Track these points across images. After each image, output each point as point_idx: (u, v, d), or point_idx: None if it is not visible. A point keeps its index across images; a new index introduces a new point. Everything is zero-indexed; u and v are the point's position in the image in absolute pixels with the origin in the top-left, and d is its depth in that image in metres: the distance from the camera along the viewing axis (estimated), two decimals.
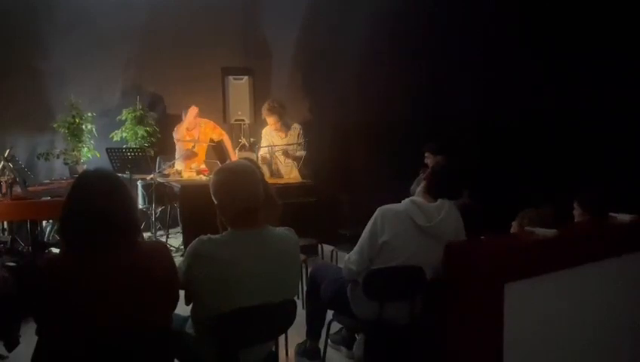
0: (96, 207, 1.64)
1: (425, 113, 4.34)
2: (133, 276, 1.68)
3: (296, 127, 5.26)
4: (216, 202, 2.01)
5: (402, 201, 2.57)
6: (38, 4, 5.91)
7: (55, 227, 4.84)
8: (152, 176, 5.09)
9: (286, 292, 2.04)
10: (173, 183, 5.08)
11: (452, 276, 2.47)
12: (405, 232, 2.45)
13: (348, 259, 2.60)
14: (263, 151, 5.25)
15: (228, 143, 5.89)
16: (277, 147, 5.23)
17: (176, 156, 5.71)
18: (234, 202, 1.95)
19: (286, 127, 5.24)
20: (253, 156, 5.12)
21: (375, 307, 2.47)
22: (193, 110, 5.62)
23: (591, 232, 2.75)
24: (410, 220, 2.46)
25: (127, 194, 1.75)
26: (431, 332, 2.52)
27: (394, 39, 4.70)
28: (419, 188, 2.67)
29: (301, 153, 5.23)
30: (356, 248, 2.57)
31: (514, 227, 2.87)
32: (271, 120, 5.18)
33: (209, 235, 1.99)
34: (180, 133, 5.67)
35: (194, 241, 1.96)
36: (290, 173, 5.30)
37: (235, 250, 1.93)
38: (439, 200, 2.55)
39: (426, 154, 4.08)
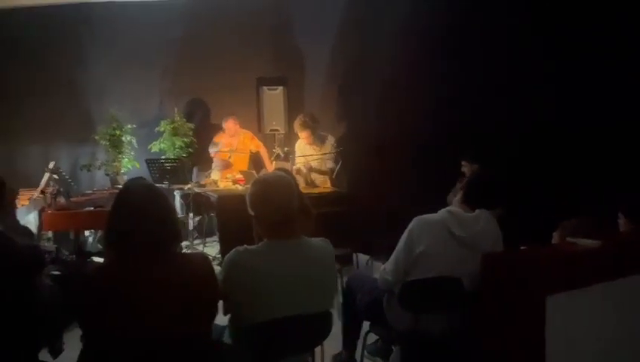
0: (136, 220, 1.68)
1: (461, 123, 4.28)
2: (173, 287, 1.71)
3: (330, 140, 5.25)
4: (252, 213, 2.03)
5: (439, 211, 2.54)
6: (78, 20, 6.14)
7: (97, 236, 4.99)
8: (189, 186, 5.19)
9: (322, 303, 2.04)
10: (210, 193, 5.16)
11: (491, 288, 2.42)
12: (442, 243, 2.41)
13: (383, 270, 2.58)
14: (298, 164, 5.26)
15: (265, 155, 5.97)
16: (308, 158, 5.24)
17: (213, 166, 5.81)
18: (269, 213, 1.96)
19: (319, 140, 5.25)
20: (288, 166, 5.16)
21: (411, 318, 2.44)
22: (233, 121, 5.71)
23: (636, 242, 2.64)
24: (447, 230, 2.42)
25: (166, 206, 1.79)
26: (468, 344, 2.48)
27: (430, 49, 4.67)
28: (456, 197, 2.63)
29: (332, 166, 5.21)
30: (392, 259, 2.55)
31: (555, 238, 2.80)
32: (303, 134, 5.21)
33: (245, 246, 2.01)
34: (215, 149, 5.79)
35: (231, 252, 1.99)
36: (325, 183, 5.31)
37: (271, 260, 1.95)
38: (477, 211, 2.50)
39: (463, 163, 4.03)
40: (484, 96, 4.14)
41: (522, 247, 2.77)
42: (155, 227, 1.70)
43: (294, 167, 5.20)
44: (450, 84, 4.43)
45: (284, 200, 1.97)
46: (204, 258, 1.89)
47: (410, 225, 2.49)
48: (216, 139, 5.84)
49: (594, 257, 2.60)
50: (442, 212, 2.51)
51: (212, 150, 5.82)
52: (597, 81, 3.27)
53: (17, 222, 3.31)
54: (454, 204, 2.58)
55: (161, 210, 1.75)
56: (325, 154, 5.21)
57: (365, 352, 2.92)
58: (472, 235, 2.43)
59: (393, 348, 2.97)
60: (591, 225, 2.78)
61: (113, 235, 1.72)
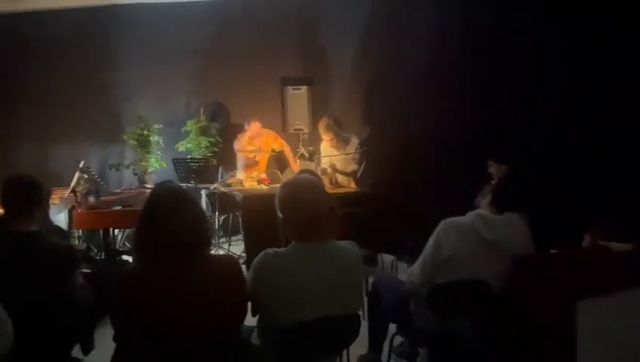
0: (165, 224, 1.71)
1: (487, 124, 4.23)
2: (204, 289, 1.74)
3: (353, 141, 5.24)
4: (280, 215, 2.04)
5: (467, 214, 2.51)
6: (108, 22, 6.25)
7: (125, 235, 5.08)
8: (215, 185, 5.24)
9: (350, 305, 2.04)
10: (236, 192, 5.20)
11: (521, 292, 2.40)
12: (471, 246, 2.39)
13: (411, 273, 2.57)
14: (323, 164, 5.27)
15: (289, 154, 5.98)
16: (333, 158, 5.24)
17: (238, 165, 5.85)
18: (298, 216, 1.97)
19: (343, 141, 5.25)
20: (312, 166, 5.17)
21: (439, 321, 2.43)
22: (256, 124, 5.74)
23: None
24: (477, 234, 2.40)
25: (196, 209, 1.81)
26: (496, 347, 2.45)
27: (456, 50, 4.63)
28: (484, 200, 2.60)
29: (355, 167, 5.20)
30: (419, 261, 2.54)
31: (586, 240, 2.75)
32: (327, 137, 5.22)
33: (274, 249, 2.02)
34: (240, 145, 5.80)
35: (260, 254, 2.00)
36: (349, 183, 5.30)
37: (299, 263, 1.96)
38: (506, 213, 2.48)
39: (490, 163, 3.97)
40: (511, 96, 4.09)
41: (552, 250, 2.73)
42: (187, 232, 1.73)
43: (320, 168, 5.20)
44: (475, 85, 4.39)
45: (313, 203, 1.97)
46: (233, 260, 1.91)
47: (438, 228, 2.48)
48: (238, 139, 5.87)
49: (626, 261, 2.55)
50: (471, 215, 2.49)
51: (237, 146, 5.83)
52: (628, 79, 3.20)
53: (51, 221, 3.40)
54: (483, 207, 2.55)
55: (193, 215, 1.77)
56: (349, 154, 5.20)
57: (392, 354, 2.91)
58: (501, 239, 2.40)
59: (419, 350, 2.96)
60: (623, 228, 2.72)
61: (145, 240, 1.74)
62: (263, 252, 2.00)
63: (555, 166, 3.63)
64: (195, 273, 1.75)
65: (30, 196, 2.35)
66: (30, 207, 2.33)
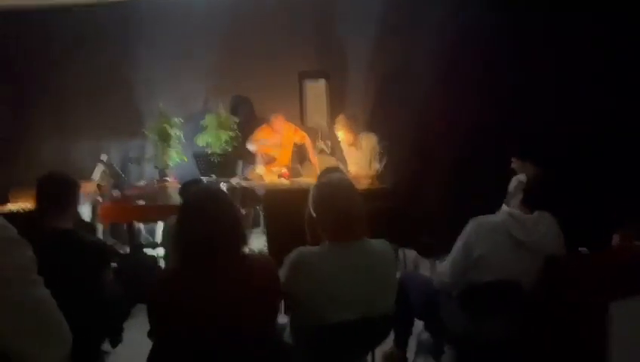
0: (205, 227, 1.73)
1: (514, 121, 4.19)
2: (241, 289, 1.75)
3: (372, 139, 5.19)
4: (315, 215, 2.04)
5: (498, 213, 2.50)
6: (128, 17, 6.28)
7: (147, 228, 5.13)
8: (236, 179, 5.26)
9: (383, 305, 2.04)
10: (257, 187, 5.22)
11: (553, 293, 2.38)
12: (502, 246, 2.38)
13: (440, 271, 2.57)
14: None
15: (309, 146, 5.94)
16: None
17: (257, 160, 5.86)
18: (333, 216, 1.98)
19: (360, 140, 5.22)
20: (333, 161, 5.16)
21: (468, 320, 2.42)
22: (279, 119, 5.72)
23: None
24: (507, 233, 2.39)
25: (233, 213, 1.82)
26: (526, 349, 2.45)
27: (475, 46, 4.58)
28: (514, 199, 2.57)
29: (376, 167, 5.18)
30: (449, 260, 2.53)
31: (616, 240, 2.73)
32: (344, 136, 5.20)
33: (308, 247, 2.03)
34: (253, 141, 5.80)
35: (293, 252, 2.01)
36: (369, 181, 5.25)
37: (333, 262, 1.96)
38: (537, 213, 2.46)
39: (513, 159, 3.94)
40: (536, 92, 4.04)
41: (581, 249, 2.71)
42: (226, 234, 1.75)
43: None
44: (500, 82, 4.34)
45: (349, 203, 1.98)
46: (268, 260, 1.92)
47: (469, 227, 2.46)
48: (257, 135, 5.85)
49: None
50: (502, 214, 2.47)
51: (252, 147, 5.83)
52: None
53: (81, 217, 3.44)
54: (514, 206, 2.53)
55: (232, 218, 1.79)
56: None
57: (418, 351, 2.91)
58: (533, 238, 2.39)
59: (445, 349, 2.95)
60: None
61: (185, 242, 1.76)
62: (297, 250, 2.01)
63: (584, 165, 3.58)
64: (232, 273, 1.76)
65: (66, 194, 2.38)
66: (66, 205, 2.36)
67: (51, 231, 2.32)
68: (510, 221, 2.41)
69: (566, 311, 2.34)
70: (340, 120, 5.21)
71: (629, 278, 2.40)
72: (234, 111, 6.54)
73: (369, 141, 5.20)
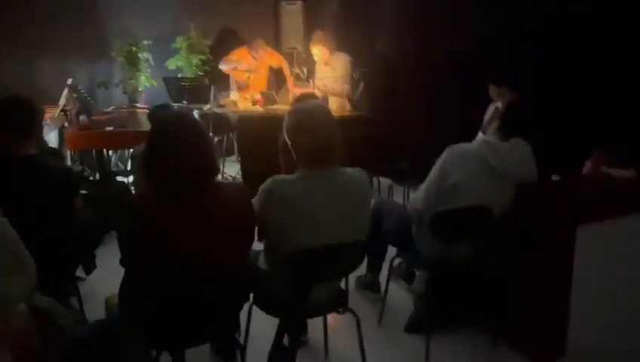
0: (177, 154, 1.67)
1: (489, 44, 4.09)
2: (214, 216, 1.73)
3: (345, 58, 5.04)
4: (290, 143, 2.00)
5: (474, 141, 2.49)
6: None
7: (117, 155, 5.01)
8: (208, 106, 5.12)
9: (357, 232, 2.05)
10: (230, 114, 5.10)
11: (523, 218, 2.43)
12: (476, 173, 2.38)
13: (414, 198, 2.58)
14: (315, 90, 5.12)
15: (287, 71, 5.77)
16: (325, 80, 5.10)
17: (231, 86, 5.69)
18: (309, 143, 1.93)
19: (336, 59, 5.07)
20: (309, 87, 5.04)
21: (440, 245, 2.47)
22: (260, 43, 5.48)
23: None
24: (483, 161, 2.39)
25: (206, 138, 1.76)
26: (497, 272, 2.53)
27: None
28: (491, 126, 2.56)
29: (345, 87, 5.06)
30: (423, 187, 2.54)
31: (587, 166, 2.76)
32: (318, 51, 5.03)
33: (282, 175, 2.00)
34: (227, 61, 5.56)
35: (268, 180, 1.98)
36: (342, 106, 5.17)
37: (307, 189, 1.94)
38: (512, 140, 2.45)
39: (490, 86, 3.90)
40: (510, 19, 3.94)
41: (554, 176, 2.74)
42: (198, 161, 1.69)
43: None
44: (475, 6, 4.21)
45: (326, 130, 1.93)
46: (242, 188, 1.89)
47: (444, 155, 2.45)
48: (232, 57, 5.61)
49: (627, 188, 2.58)
50: (477, 141, 2.47)
51: (224, 67, 5.59)
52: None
53: (46, 143, 3.32)
54: (490, 133, 2.52)
55: (204, 144, 1.72)
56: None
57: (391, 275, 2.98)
58: (507, 165, 2.39)
59: (416, 272, 3.04)
60: (626, 155, 2.73)
61: (156, 169, 1.70)
62: (271, 178, 1.98)
63: (559, 92, 3.56)
64: (205, 201, 1.73)
65: (25, 118, 2.26)
66: (29, 131, 2.25)
67: (12, 157, 2.23)
68: (485, 148, 2.41)
69: (535, 236, 2.40)
70: (316, 36, 5.03)
71: (596, 204, 2.46)
72: (205, 33, 6.24)
73: (342, 59, 5.06)
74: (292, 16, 6.27)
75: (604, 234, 2.42)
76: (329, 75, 5.07)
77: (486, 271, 2.50)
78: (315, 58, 5.14)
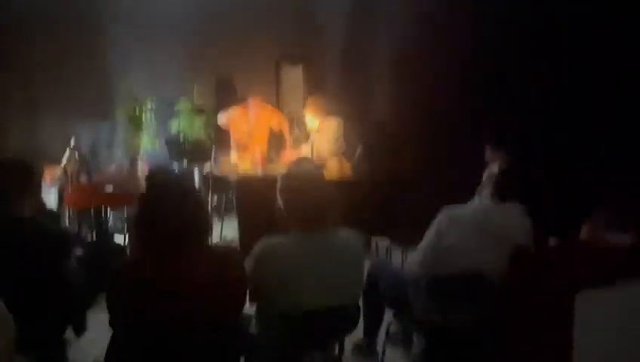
0: (167, 217, 1.67)
1: (486, 112, 4.18)
2: (203, 280, 1.70)
3: (333, 123, 5.10)
4: (282, 204, 2.00)
5: (469, 203, 2.49)
6: None
7: (116, 215, 5.00)
8: (208, 166, 5.17)
9: (350, 296, 2.02)
10: (229, 174, 5.13)
11: (520, 284, 2.39)
12: (471, 236, 2.37)
13: (411, 261, 2.55)
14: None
15: (287, 133, 5.82)
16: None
17: (231, 144, 5.75)
18: (301, 207, 1.94)
19: (325, 124, 5.15)
20: (308, 150, 5.10)
21: (437, 310, 2.42)
22: (256, 101, 5.59)
23: None
24: (477, 224, 2.38)
25: (197, 200, 1.77)
26: (494, 338, 2.46)
27: (455, 32, 4.56)
28: (486, 190, 2.57)
29: (337, 146, 5.11)
30: (419, 250, 2.52)
31: (584, 231, 2.74)
32: (309, 117, 5.14)
33: (274, 236, 1.99)
34: (226, 117, 5.60)
35: (261, 242, 1.97)
36: (342, 168, 5.19)
37: (299, 251, 1.93)
38: (507, 204, 2.45)
39: (486, 148, 3.93)
40: (509, 82, 4.03)
41: (550, 240, 2.72)
42: (189, 224, 1.69)
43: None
44: (475, 68, 4.33)
45: (316, 193, 1.95)
46: (234, 251, 1.88)
47: (439, 217, 2.45)
48: (230, 114, 5.65)
49: (625, 254, 2.54)
50: (473, 204, 2.47)
51: (221, 120, 5.54)
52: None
53: (44, 204, 3.32)
54: (485, 197, 2.53)
55: (195, 207, 1.73)
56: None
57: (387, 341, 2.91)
58: (502, 229, 2.38)
59: (414, 337, 2.96)
60: (622, 219, 2.71)
61: (146, 231, 1.70)
62: (263, 239, 1.97)
63: (553, 155, 3.60)
64: (196, 263, 1.71)
65: (22, 181, 2.27)
66: (21, 192, 2.26)
67: (5, 219, 2.23)
68: (480, 211, 2.41)
69: (532, 302, 2.35)
70: (309, 102, 5.14)
71: (595, 269, 2.42)
72: (208, 94, 6.40)
73: (333, 123, 5.11)
74: (293, 78, 6.43)
75: (604, 301, 2.36)
76: (322, 140, 5.15)
77: (483, 338, 2.43)
78: (308, 125, 5.24)
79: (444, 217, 2.43)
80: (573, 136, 3.50)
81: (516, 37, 3.96)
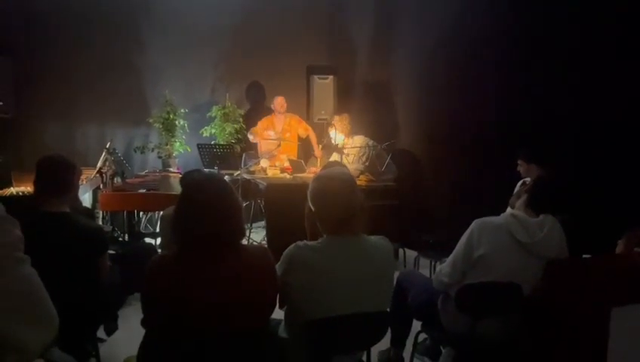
0: (206, 216, 1.70)
1: (522, 120, 4.12)
2: (237, 283, 1.72)
3: (357, 141, 5.28)
4: (313, 209, 2.01)
5: (502, 214, 2.46)
6: (137, 5, 6.25)
7: (148, 217, 5.11)
8: (238, 172, 5.24)
9: (379, 302, 2.01)
10: (259, 180, 5.19)
11: (553, 297, 2.35)
12: (503, 248, 2.34)
13: (440, 271, 2.53)
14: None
15: (313, 139, 5.96)
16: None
17: (260, 154, 5.85)
18: (332, 210, 1.94)
19: (349, 143, 5.34)
20: (337, 157, 5.13)
21: (467, 321, 2.39)
22: (282, 99, 5.76)
23: None
24: (510, 235, 2.35)
25: (233, 202, 1.79)
26: (525, 352, 2.41)
27: (485, 40, 4.53)
28: (519, 201, 2.54)
29: (360, 164, 5.20)
30: (449, 260, 2.50)
31: (620, 246, 2.68)
32: (333, 133, 5.33)
33: (305, 241, 2.00)
34: (255, 132, 5.82)
35: (291, 246, 1.98)
36: (369, 177, 5.23)
37: (330, 257, 1.93)
38: (542, 216, 2.42)
39: (519, 162, 3.89)
40: (547, 89, 3.97)
41: (585, 255, 2.66)
42: (226, 224, 1.71)
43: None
44: (510, 77, 4.28)
45: (348, 197, 1.94)
46: (265, 252, 1.88)
47: (471, 228, 2.42)
48: (259, 128, 5.88)
49: None
50: (505, 215, 2.43)
51: (251, 137, 5.87)
52: None
53: (80, 202, 3.41)
54: (518, 208, 2.50)
55: (233, 207, 1.75)
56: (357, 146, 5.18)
57: (415, 351, 2.88)
58: (535, 241, 2.35)
59: (442, 348, 2.93)
60: None
61: (184, 230, 1.73)
62: (294, 244, 1.98)
63: (590, 168, 3.53)
64: (229, 263, 1.73)
65: (64, 177, 2.36)
66: (63, 188, 2.34)
67: (46, 214, 2.30)
68: (513, 223, 2.37)
69: (565, 316, 2.30)
70: (335, 120, 5.31)
71: (630, 285, 2.36)
72: (240, 102, 6.52)
73: (356, 141, 5.28)
74: (324, 88, 6.48)
75: (639, 317, 2.30)
76: (348, 158, 5.24)
77: (513, 351, 2.39)
78: (332, 141, 5.36)
79: (475, 228, 2.41)
80: (609, 150, 3.43)
81: (552, 50, 3.91)
